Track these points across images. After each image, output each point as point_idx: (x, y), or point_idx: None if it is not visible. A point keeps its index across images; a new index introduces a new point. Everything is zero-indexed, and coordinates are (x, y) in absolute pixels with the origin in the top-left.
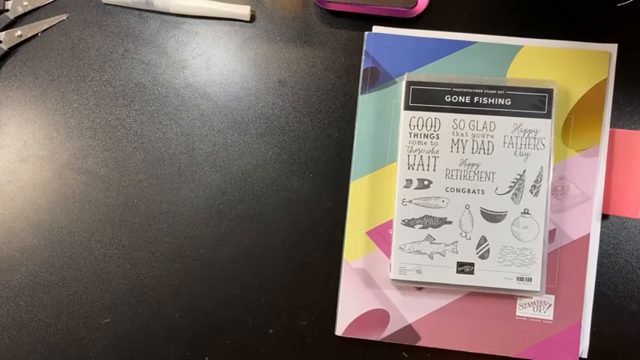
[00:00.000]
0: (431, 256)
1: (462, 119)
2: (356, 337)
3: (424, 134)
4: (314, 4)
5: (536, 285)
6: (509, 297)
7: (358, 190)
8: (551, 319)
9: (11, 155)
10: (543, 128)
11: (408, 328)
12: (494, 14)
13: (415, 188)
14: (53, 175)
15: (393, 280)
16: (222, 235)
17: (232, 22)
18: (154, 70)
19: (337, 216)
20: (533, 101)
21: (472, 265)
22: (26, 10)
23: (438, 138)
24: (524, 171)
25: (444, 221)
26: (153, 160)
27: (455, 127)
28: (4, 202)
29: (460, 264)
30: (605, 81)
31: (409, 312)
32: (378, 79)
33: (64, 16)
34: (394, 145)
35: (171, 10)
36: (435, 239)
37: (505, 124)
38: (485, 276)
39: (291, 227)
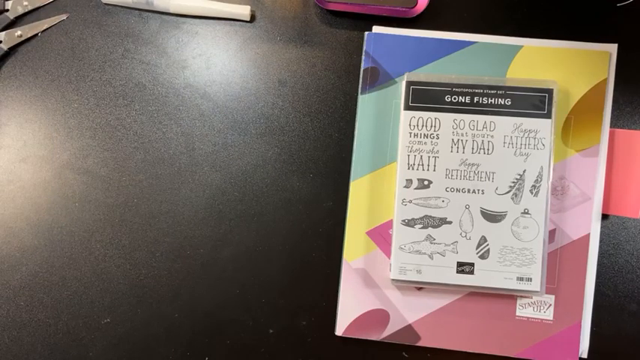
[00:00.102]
0: (431, 256)
1: (462, 119)
2: (356, 337)
3: (424, 134)
4: (314, 4)
5: (536, 285)
6: (509, 297)
7: (358, 190)
8: (551, 319)
9: (11, 155)
10: (543, 128)
11: (408, 328)
12: (494, 14)
13: (415, 188)
14: (53, 175)
15: (393, 280)
16: (222, 235)
17: (232, 22)
18: (154, 70)
19: (337, 216)
20: (533, 101)
21: (472, 265)
22: (26, 10)
23: (438, 138)
24: (524, 171)
25: (444, 221)
26: (153, 160)
27: (455, 127)
28: (4, 202)
29: (460, 264)
30: (605, 81)
31: (409, 312)
32: (378, 79)
33: (64, 16)
34: (394, 145)
35: (171, 10)
36: (435, 239)
37: (505, 124)
38: (485, 276)
39: (291, 227)
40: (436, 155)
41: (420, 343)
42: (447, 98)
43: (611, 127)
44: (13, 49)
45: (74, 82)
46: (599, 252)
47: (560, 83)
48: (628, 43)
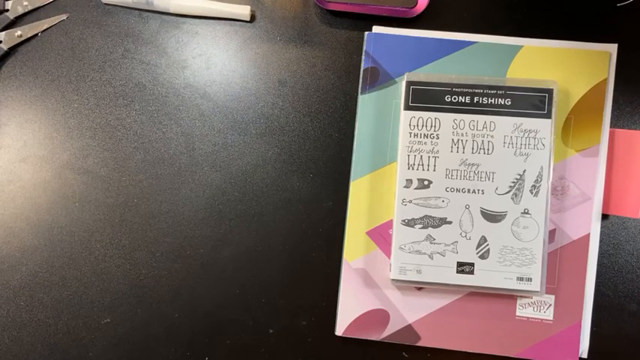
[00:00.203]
0: (431, 256)
1: (462, 119)
2: (356, 337)
3: (424, 134)
4: (314, 4)
5: (536, 285)
6: (509, 297)
7: (358, 190)
8: (551, 319)
9: (11, 155)
10: (543, 128)
11: (408, 328)
12: (494, 14)
13: (415, 188)
14: (53, 175)
15: (393, 280)
16: (222, 235)
17: (232, 22)
18: (154, 70)
19: (337, 216)
20: (533, 101)
21: (472, 265)
22: (26, 10)
23: (438, 138)
24: (524, 171)
25: (444, 221)
26: (153, 160)
27: (455, 127)
28: (4, 202)
29: (460, 264)
30: (605, 81)
31: (409, 312)
32: (378, 79)
33: (64, 16)
34: (394, 145)
35: (171, 10)
36: (435, 239)
37: (505, 124)
38: (485, 276)
39: (291, 227)
40: (436, 155)
41: (420, 343)
42: (447, 98)
43: (611, 127)
44: (13, 49)
45: (74, 82)
46: (599, 252)
47: (560, 83)
48: (628, 43)
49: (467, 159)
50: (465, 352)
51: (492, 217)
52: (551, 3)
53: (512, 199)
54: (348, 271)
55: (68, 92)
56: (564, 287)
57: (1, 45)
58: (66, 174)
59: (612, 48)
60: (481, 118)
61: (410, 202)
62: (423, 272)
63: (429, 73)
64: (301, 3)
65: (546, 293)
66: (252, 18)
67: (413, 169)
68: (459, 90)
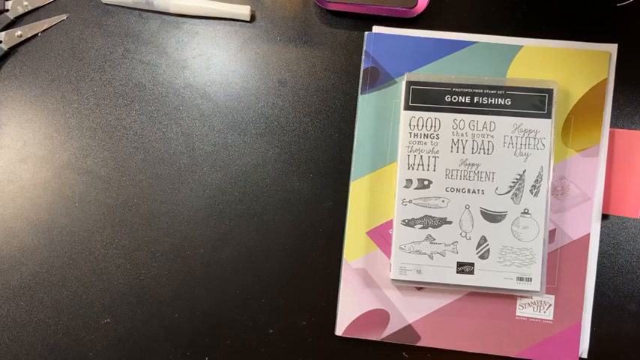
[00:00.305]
0: (431, 256)
1: (462, 119)
2: (356, 337)
3: (424, 134)
4: (314, 4)
5: (536, 285)
6: (509, 297)
7: (358, 190)
8: (551, 319)
9: (11, 155)
10: (543, 128)
11: (408, 328)
12: (494, 14)
13: (415, 188)
14: (53, 175)
15: (393, 280)
16: (222, 235)
17: (232, 22)
18: (154, 70)
19: (337, 216)
20: (533, 101)
21: (472, 265)
22: (26, 10)
23: (438, 138)
24: (524, 171)
25: (444, 221)
26: (153, 160)
27: (455, 127)
28: (4, 202)
29: (460, 264)
30: (605, 81)
31: (409, 312)
32: (378, 79)
33: (64, 16)
34: (394, 145)
35: (171, 10)
36: (435, 239)
37: (505, 124)
38: (485, 276)
39: (291, 227)
40: (436, 155)
41: (420, 343)
42: (447, 98)
43: (611, 127)
44: (13, 49)
45: (74, 82)
46: (599, 252)
47: (560, 83)
48: (628, 43)
49: (467, 159)
50: (465, 352)
51: (492, 217)
52: (551, 3)
53: (512, 199)
54: (348, 271)
55: (68, 92)
56: (564, 287)
57: (1, 45)
58: (66, 174)
59: (612, 48)
60: (481, 118)
61: (410, 202)
62: (423, 272)
63: (429, 73)
64: (301, 3)
65: (546, 293)
66: (252, 18)
67: (413, 169)
68: (459, 90)
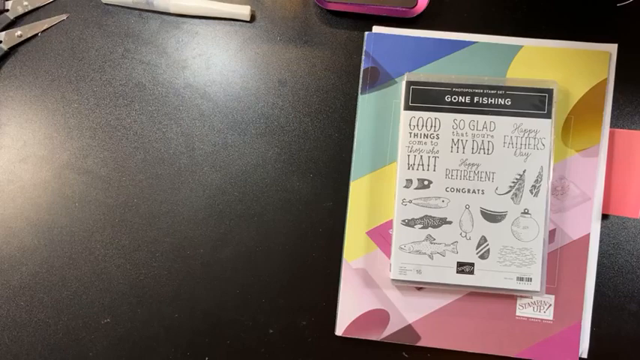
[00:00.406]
0: (431, 256)
1: (462, 119)
2: (356, 337)
3: (424, 134)
4: (314, 4)
5: (536, 285)
6: (509, 297)
7: (358, 190)
8: (551, 319)
9: (11, 155)
10: (543, 128)
11: (408, 328)
12: (494, 14)
13: (415, 188)
14: (53, 175)
15: (393, 280)
16: (222, 235)
17: (232, 22)
18: (154, 70)
19: (337, 216)
20: (533, 101)
21: (472, 265)
22: (26, 10)
23: (438, 138)
24: (524, 171)
25: (444, 221)
26: (153, 160)
27: (455, 127)
28: (4, 202)
29: (460, 264)
30: (605, 81)
31: (409, 312)
32: (378, 79)
33: (64, 16)
34: (394, 145)
35: (171, 10)
36: (435, 239)
37: (505, 124)
38: (485, 276)
39: (291, 227)
40: (436, 155)
41: (420, 343)
42: (447, 98)
43: (611, 127)
44: (13, 49)
45: (74, 82)
46: (599, 252)
47: (560, 83)
48: (628, 43)
49: (467, 159)
50: (465, 352)
51: (492, 217)
52: (551, 3)
53: (512, 199)
54: (348, 271)
55: (68, 92)
56: (564, 287)
57: (1, 45)
58: (66, 174)
59: (612, 48)
60: (481, 118)
61: (410, 202)
62: (423, 272)
63: (429, 73)
64: (301, 3)
65: (546, 293)
66: (252, 18)
67: (413, 169)
68: (459, 90)
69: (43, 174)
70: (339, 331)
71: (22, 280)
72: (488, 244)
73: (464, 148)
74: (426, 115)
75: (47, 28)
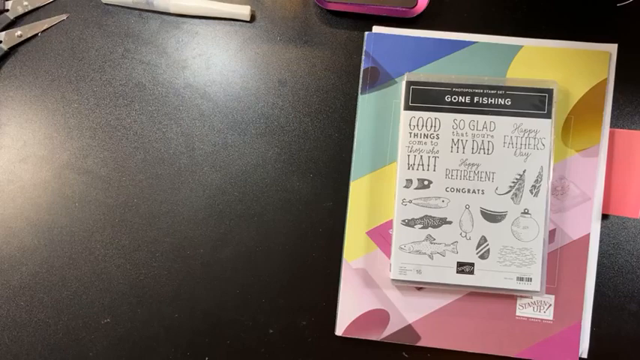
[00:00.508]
0: (431, 256)
1: (462, 119)
2: (356, 337)
3: (424, 134)
4: (314, 4)
5: (536, 285)
6: (509, 297)
7: (358, 190)
8: (551, 319)
9: (11, 155)
10: (543, 128)
11: (408, 328)
12: (494, 14)
13: (415, 188)
14: (53, 175)
15: (393, 280)
16: (222, 235)
17: (232, 22)
18: (154, 70)
19: (337, 216)
20: (533, 101)
21: (472, 265)
22: (26, 10)
23: (438, 138)
24: (524, 171)
25: (444, 221)
26: (153, 160)
27: (455, 127)
28: (4, 202)
29: (460, 264)
30: (605, 81)
31: (409, 312)
32: (378, 79)
33: (64, 16)
34: (394, 145)
35: (171, 10)
36: (435, 239)
37: (505, 124)
38: (485, 276)
39: (291, 227)
40: (436, 155)
41: (420, 343)
42: (447, 98)
43: (611, 127)
44: (13, 49)
45: (74, 82)
46: (599, 252)
47: (560, 83)
48: (628, 43)
49: (467, 159)
50: (465, 352)
51: (492, 217)
52: (551, 3)
53: (512, 199)
54: (348, 271)
55: (68, 92)
56: (564, 287)
57: (1, 45)
58: (66, 174)
59: (612, 48)
60: (481, 118)
61: (410, 202)
62: (423, 272)
63: (429, 73)
64: (301, 3)
65: (546, 293)
66: (252, 18)
67: (413, 169)
68: (459, 90)
69: (43, 174)
70: (339, 331)
71: (22, 280)
72: (488, 244)
73: (464, 148)
74: (426, 115)
75: (47, 28)
